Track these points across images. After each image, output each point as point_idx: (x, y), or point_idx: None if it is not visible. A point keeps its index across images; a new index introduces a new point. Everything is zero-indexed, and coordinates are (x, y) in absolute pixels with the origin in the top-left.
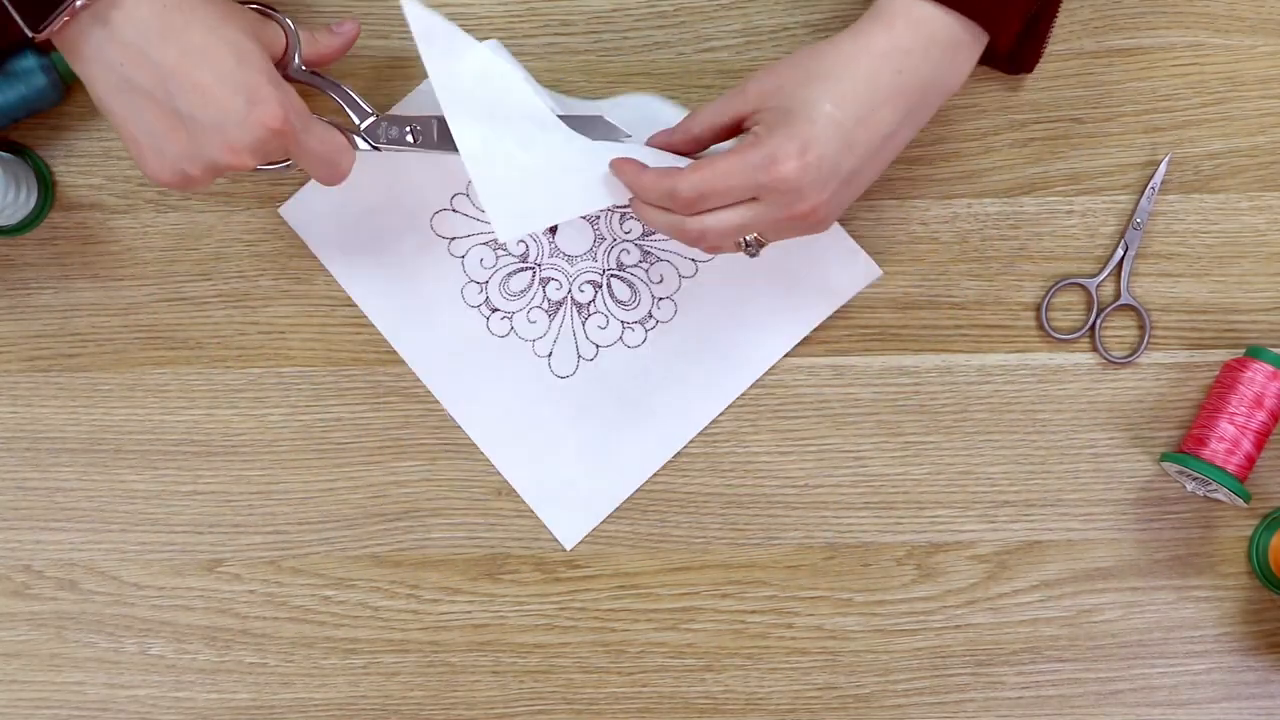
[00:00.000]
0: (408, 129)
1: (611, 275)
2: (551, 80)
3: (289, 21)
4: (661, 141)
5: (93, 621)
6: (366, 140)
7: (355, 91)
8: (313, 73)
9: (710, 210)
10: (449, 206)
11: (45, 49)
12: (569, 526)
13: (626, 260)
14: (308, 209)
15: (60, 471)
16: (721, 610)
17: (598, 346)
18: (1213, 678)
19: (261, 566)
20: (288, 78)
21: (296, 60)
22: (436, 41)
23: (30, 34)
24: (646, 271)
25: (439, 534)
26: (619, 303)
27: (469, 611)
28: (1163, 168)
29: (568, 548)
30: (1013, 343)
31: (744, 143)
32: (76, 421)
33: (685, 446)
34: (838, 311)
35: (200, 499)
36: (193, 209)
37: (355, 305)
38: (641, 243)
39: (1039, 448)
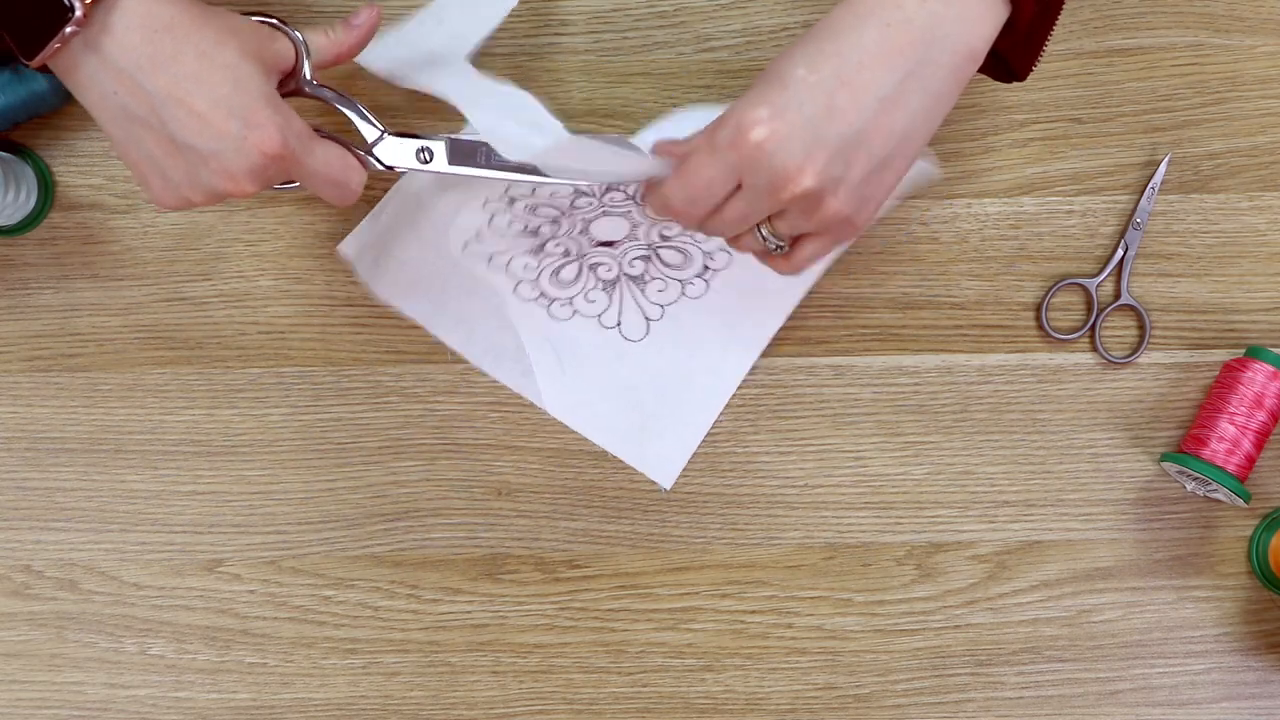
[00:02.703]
0: (417, 149)
1: (657, 248)
2: (551, 80)
3: (298, 34)
4: (667, 148)
5: (93, 621)
6: (377, 160)
7: (367, 107)
8: (324, 86)
9: (715, 211)
10: (474, 238)
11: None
12: (665, 468)
13: (668, 233)
14: (360, 245)
15: (60, 471)
16: (721, 610)
17: (662, 307)
18: (1213, 678)
19: (261, 566)
20: (299, 92)
21: (307, 73)
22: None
23: (25, 63)
24: (692, 235)
25: (439, 534)
26: (671, 267)
27: (469, 611)
28: (1163, 168)
29: (667, 487)
30: (1013, 343)
31: (712, 124)
32: (76, 421)
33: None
34: (838, 311)
35: (200, 499)
36: (193, 209)
37: (355, 305)
38: None
39: (1039, 448)
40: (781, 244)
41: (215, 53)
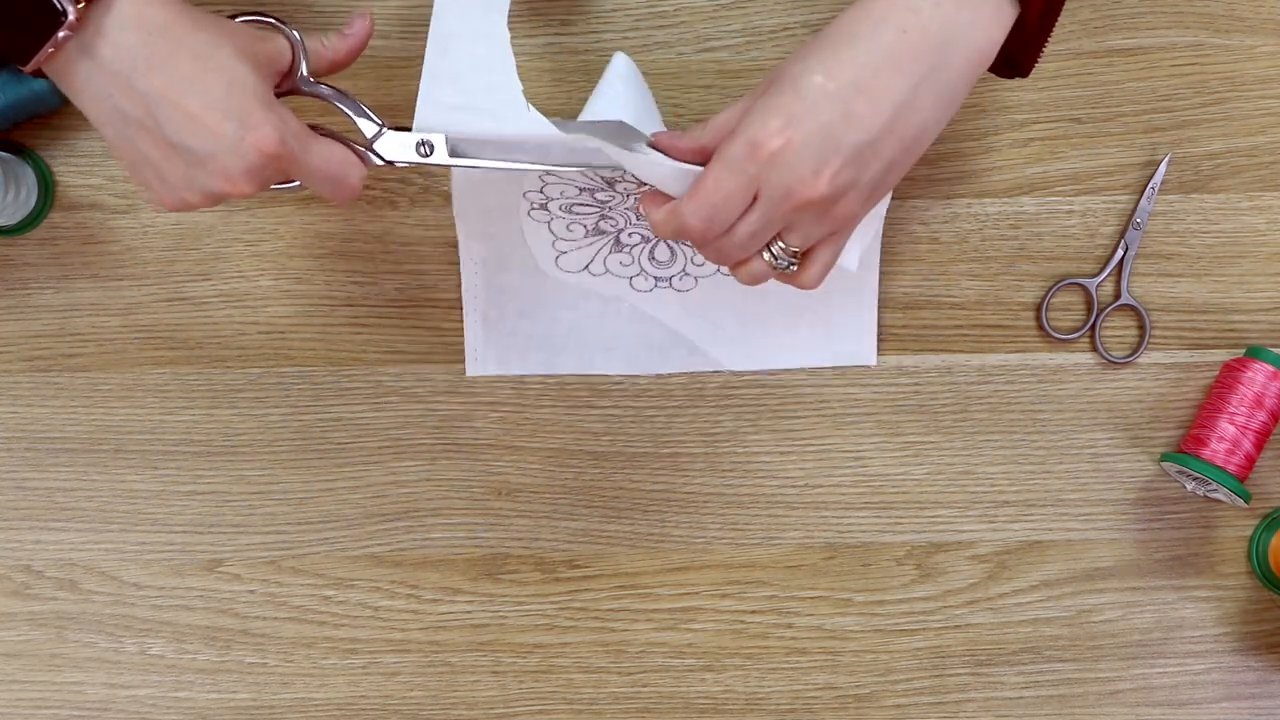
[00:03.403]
0: (417, 142)
1: None
2: (552, 80)
3: (295, 33)
4: (666, 144)
5: (93, 621)
6: (378, 155)
7: (366, 104)
8: (321, 84)
9: (727, 231)
10: (558, 251)
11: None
12: (862, 348)
13: None
14: (484, 352)
15: (60, 471)
16: (721, 610)
17: None
18: (1213, 678)
19: (261, 566)
20: (296, 90)
21: (304, 72)
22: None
23: (21, 68)
24: None
25: (439, 534)
26: None
27: (469, 611)
28: (1163, 168)
29: (874, 363)
30: (1013, 343)
31: (726, 139)
32: (76, 421)
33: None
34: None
35: (200, 499)
36: (192, 210)
37: (355, 305)
38: None
39: (1039, 448)
40: (792, 261)
41: (210, 55)
